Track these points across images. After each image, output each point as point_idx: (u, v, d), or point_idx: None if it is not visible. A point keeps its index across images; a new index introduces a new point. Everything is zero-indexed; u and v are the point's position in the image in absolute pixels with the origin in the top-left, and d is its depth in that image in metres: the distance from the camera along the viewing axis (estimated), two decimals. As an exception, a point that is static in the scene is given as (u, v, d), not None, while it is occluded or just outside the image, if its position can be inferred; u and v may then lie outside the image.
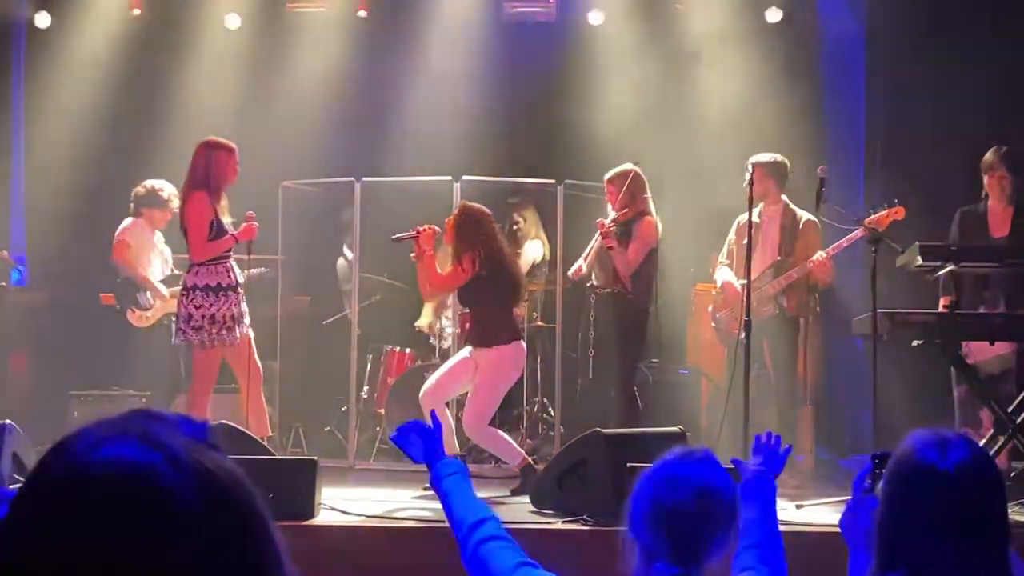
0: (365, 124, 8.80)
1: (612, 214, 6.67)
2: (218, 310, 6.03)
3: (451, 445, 6.23)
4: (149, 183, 7.28)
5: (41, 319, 8.25)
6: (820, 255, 6.53)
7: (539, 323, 7.97)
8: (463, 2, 8.81)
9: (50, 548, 0.80)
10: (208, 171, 6.15)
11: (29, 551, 0.81)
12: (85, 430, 0.87)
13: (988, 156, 6.37)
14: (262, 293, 8.19)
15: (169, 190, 7.17)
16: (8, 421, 5.24)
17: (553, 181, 7.72)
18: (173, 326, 6.33)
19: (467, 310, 6.57)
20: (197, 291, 6.06)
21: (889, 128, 8.44)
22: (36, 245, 8.60)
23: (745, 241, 6.22)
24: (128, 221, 7.29)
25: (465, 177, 7.75)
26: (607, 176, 6.74)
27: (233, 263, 6.21)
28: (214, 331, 6.02)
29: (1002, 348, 6.04)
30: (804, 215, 6.76)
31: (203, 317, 6.02)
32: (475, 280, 6.11)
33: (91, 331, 7.81)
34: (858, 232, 6.18)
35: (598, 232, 6.61)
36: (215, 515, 0.83)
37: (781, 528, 4.92)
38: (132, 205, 7.30)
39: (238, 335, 6.10)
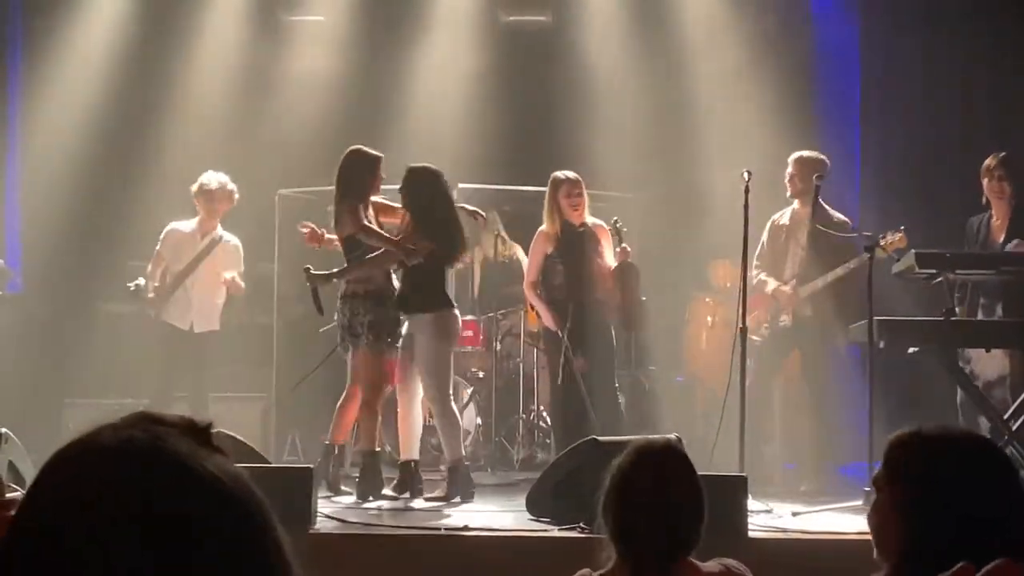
0: (362, 132, 8.78)
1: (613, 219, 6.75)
2: (375, 316, 6.04)
3: (412, 449, 6.18)
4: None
5: (36, 326, 8.24)
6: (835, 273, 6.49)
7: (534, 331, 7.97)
8: (460, 10, 8.83)
9: (60, 527, 0.80)
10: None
11: (44, 524, 0.81)
12: (93, 430, 0.87)
13: (988, 161, 6.39)
14: (259, 301, 8.20)
15: (219, 180, 6.98)
16: (4, 429, 5.22)
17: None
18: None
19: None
20: (357, 298, 6.07)
21: (884, 135, 8.47)
22: (32, 252, 8.58)
23: (765, 242, 6.42)
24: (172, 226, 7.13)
25: (461, 185, 7.75)
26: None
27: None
28: (371, 336, 6.01)
29: (998, 353, 6.05)
30: (836, 214, 6.66)
31: (359, 324, 6.03)
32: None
33: (86, 338, 7.80)
34: (867, 256, 6.10)
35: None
36: (221, 520, 0.83)
37: (778, 535, 4.94)
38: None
39: (360, 342, 6.05)
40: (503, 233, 8.26)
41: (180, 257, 6.94)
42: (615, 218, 6.83)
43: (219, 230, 7.05)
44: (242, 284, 7.06)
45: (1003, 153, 6.38)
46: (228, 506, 0.84)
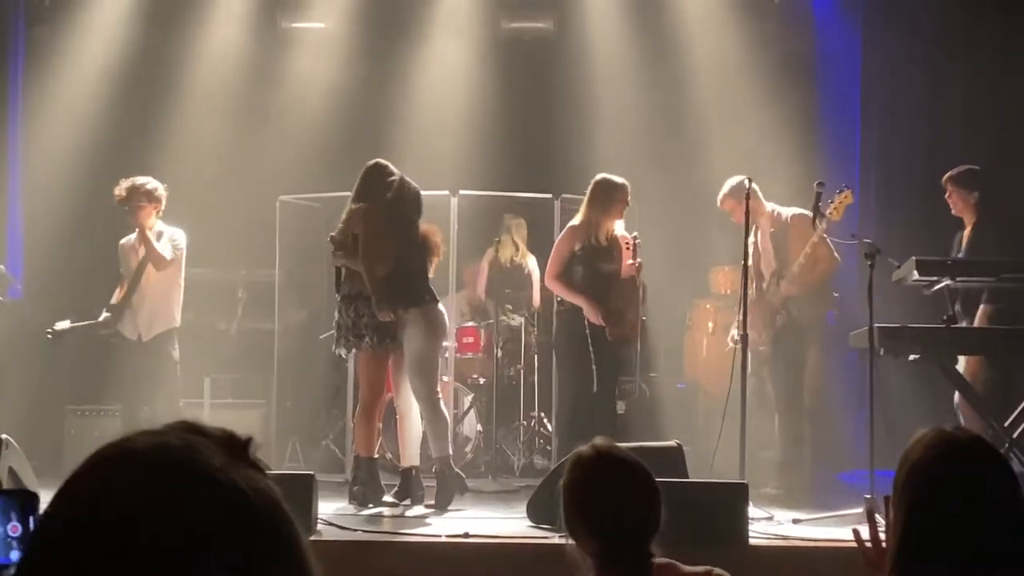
0: (362, 139, 8.81)
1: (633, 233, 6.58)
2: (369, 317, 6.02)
3: (412, 455, 6.15)
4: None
5: (38, 332, 8.23)
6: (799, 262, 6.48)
7: (535, 337, 7.98)
8: (461, 17, 8.85)
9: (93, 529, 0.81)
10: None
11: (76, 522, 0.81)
12: (132, 434, 0.87)
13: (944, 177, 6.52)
14: (260, 306, 8.20)
15: (128, 185, 6.67)
16: (4, 435, 5.22)
17: (550, 196, 7.74)
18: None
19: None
20: (360, 299, 6.02)
21: (885, 137, 8.48)
22: (33, 258, 8.59)
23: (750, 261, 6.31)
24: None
25: (462, 191, 7.77)
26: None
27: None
28: (374, 338, 5.98)
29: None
30: (789, 211, 6.65)
31: (363, 326, 6.00)
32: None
33: (88, 345, 7.79)
34: (817, 234, 6.20)
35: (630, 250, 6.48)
36: (240, 535, 0.82)
37: (778, 542, 4.94)
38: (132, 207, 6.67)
39: (363, 344, 6.03)
40: (515, 238, 8.23)
41: (130, 270, 6.84)
42: (635, 233, 6.56)
43: (157, 228, 6.75)
44: (162, 252, 6.67)
45: (954, 171, 6.50)
46: (249, 522, 0.83)
